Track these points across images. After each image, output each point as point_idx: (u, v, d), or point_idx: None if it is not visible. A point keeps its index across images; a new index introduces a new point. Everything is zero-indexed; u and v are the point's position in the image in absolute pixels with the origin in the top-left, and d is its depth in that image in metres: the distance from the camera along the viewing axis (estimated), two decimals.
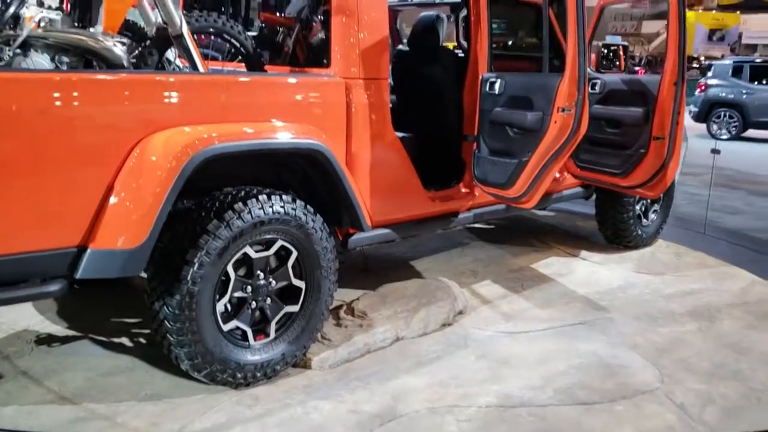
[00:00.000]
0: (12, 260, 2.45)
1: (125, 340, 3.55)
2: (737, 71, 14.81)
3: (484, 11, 3.96)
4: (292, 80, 3.30)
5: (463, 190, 4.25)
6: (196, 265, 2.81)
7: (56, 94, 2.46)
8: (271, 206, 3.02)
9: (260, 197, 3.00)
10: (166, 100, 2.77)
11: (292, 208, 3.10)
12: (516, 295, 4.48)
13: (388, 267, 4.85)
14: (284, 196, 3.09)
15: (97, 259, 2.61)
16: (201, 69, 3.17)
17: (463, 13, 4.17)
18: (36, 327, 3.67)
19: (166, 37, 3.13)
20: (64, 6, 2.96)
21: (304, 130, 3.17)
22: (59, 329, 3.67)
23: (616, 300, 4.50)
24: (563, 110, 3.49)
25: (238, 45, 3.47)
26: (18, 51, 2.66)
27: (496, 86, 3.86)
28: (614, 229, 5.49)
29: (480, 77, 4.01)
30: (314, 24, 4.16)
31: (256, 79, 3.22)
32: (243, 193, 3.00)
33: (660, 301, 4.53)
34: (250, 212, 2.94)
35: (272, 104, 3.14)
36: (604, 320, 4.14)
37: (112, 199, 2.62)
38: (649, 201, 5.57)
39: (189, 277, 2.80)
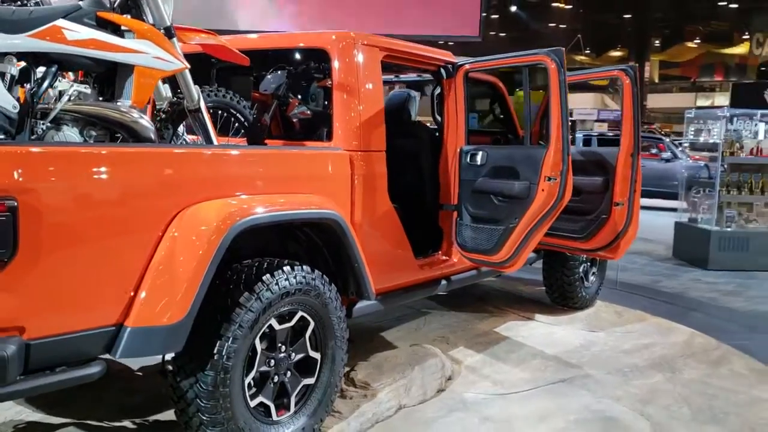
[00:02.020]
0: (53, 342, 2.32)
1: (127, 424, 3.34)
2: (587, 143, 16.07)
3: (460, 89, 4.23)
4: (306, 153, 3.37)
5: (443, 257, 4.40)
6: (231, 339, 2.75)
7: (100, 168, 2.41)
8: (295, 277, 3.02)
9: (285, 268, 3.00)
10: (202, 174, 2.76)
11: (312, 278, 3.12)
12: (492, 359, 4.61)
13: (363, 337, 4.85)
14: (305, 267, 3.10)
15: (137, 338, 2.50)
16: (215, 142, 3.18)
17: (437, 90, 4.43)
18: (18, 417, 3.38)
19: (180, 111, 3.13)
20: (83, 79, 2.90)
21: (321, 200, 3.22)
22: (43, 417, 3.40)
23: (584, 357, 4.73)
24: (550, 179, 3.76)
25: (242, 119, 3.51)
26: (50, 125, 2.57)
27: (478, 158, 4.09)
28: (561, 291, 5.81)
29: (458, 149, 4.24)
30: (291, 100, 4.26)
31: (278, 152, 3.27)
32: (266, 264, 2.99)
33: (622, 356, 4.81)
34: (277, 283, 2.93)
35: (290, 176, 3.19)
36: (581, 377, 4.35)
37: (150, 274, 2.55)
38: (588, 264, 5.95)
39: (224, 352, 2.73)
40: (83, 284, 2.39)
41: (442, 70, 4.33)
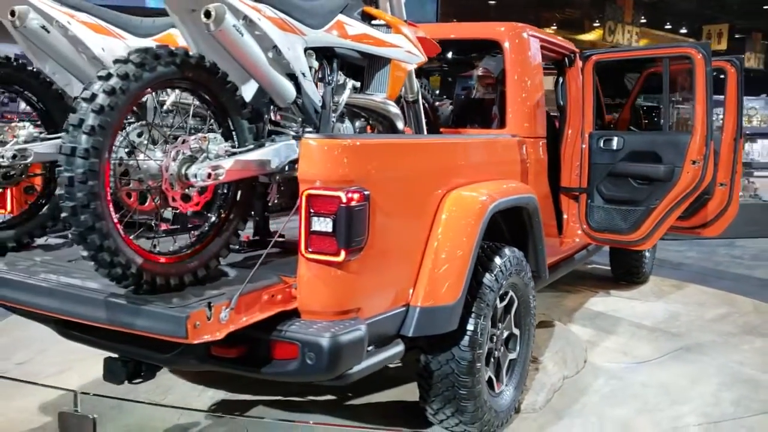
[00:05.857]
0: (374, 323, 2.44)
1: (317, 404, 3.46)
2: None
3: (589, 78, 4.46)
4: (502, 141, 3.55)
5: (567, 239, 4.64)
6: (482, 317, 2.92)
7: (414, 158, 2.55)
8: (513, 258, 3.20)
9: (505, 250, 3.17)
10: (458, 161, 2.92)
11: (522, 259, 3.31)
12: (603, 332, 4.89)
13: None
14: (515, 249, 3.29)
15: (426, 317, 2.65)
16: (425, 132, 3.32)
17: (560, 80, 4.63)
18: (213, 400, 3.46)
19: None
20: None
21: (522, 185, 3.42)
22: (233, 395, 3.51)
23: (681, 327, 5.08)
24: (695, 162, 4.05)
25: (428, 108, 3.65)
26: (339, 117, 2.66)
27: (613, 143, 4.34)
28: (628, 267, 6.16)
29: (587, 134, 4.47)
30: None
31: (493, 140, 3.44)
32: (488, 248, 3.15)
33: (712, 324, 5.19)
34: (505, 264, 3.11)
35: (494, 163, 3.38)
36: (694, 345, 4.69)
37: (429, 256, 2.69)
38: None
39: (478, 329, 2.90)
40: (394, 267, 2.52)
41: (566, 59, 4.54)
